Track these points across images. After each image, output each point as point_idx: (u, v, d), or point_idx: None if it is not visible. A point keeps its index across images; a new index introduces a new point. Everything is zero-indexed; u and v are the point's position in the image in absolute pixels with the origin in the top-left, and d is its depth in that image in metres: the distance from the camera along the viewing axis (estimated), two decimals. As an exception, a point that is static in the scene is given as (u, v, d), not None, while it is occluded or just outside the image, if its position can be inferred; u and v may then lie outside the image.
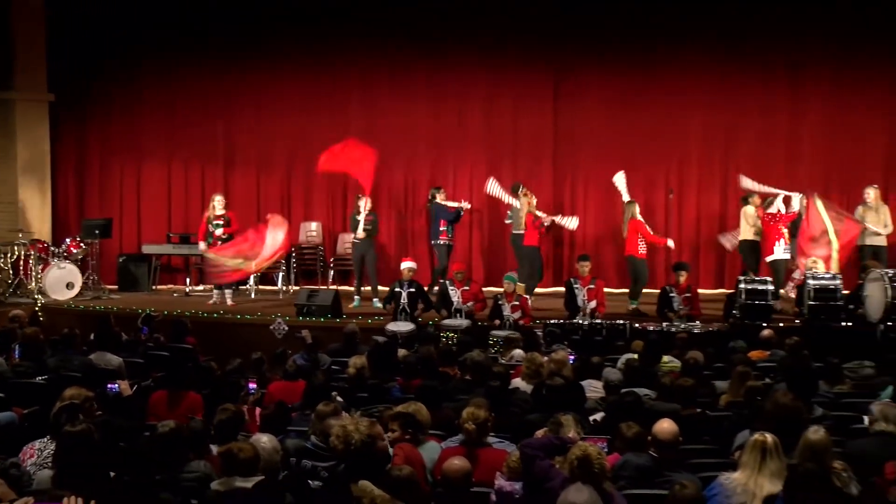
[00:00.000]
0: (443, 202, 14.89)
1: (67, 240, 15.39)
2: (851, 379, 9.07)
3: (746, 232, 14.16)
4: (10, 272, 15.06)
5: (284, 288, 15.78)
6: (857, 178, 15.27)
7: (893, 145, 15.62)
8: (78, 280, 14.82)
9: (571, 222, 14.48)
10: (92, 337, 10.63)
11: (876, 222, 14.11)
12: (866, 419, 6.91)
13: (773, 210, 13.95)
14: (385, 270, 15.32)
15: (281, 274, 15.86)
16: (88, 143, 17.03)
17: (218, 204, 14.41)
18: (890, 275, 11.97)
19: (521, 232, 14.25)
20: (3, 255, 15.04)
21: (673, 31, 15.93)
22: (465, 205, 15.04)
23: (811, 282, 12.37)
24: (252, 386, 8.47)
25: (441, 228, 14.80)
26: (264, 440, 5.86)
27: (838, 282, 12.41)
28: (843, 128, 15.78)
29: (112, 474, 5.47)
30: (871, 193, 14.20)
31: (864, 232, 14.00)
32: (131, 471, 5.57)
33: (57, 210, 16.91)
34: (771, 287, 12.58)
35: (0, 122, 16.20)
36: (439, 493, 5.51)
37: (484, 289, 13.82)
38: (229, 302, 14.47)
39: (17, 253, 15.06)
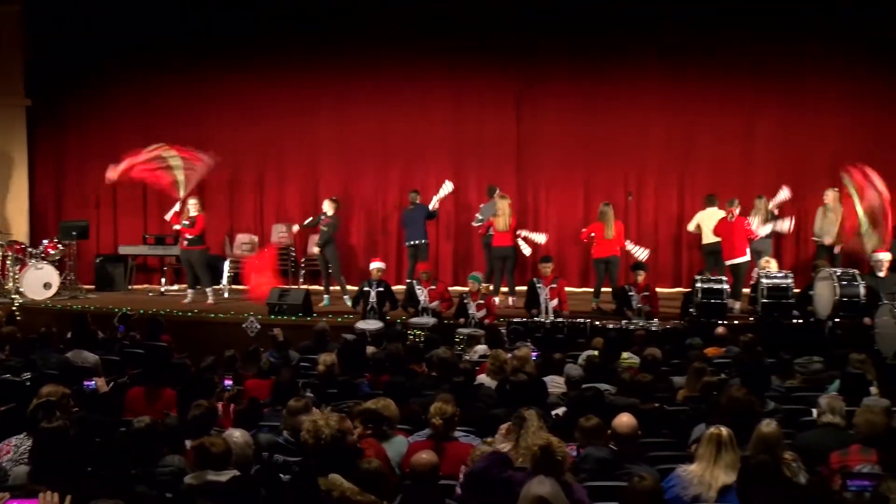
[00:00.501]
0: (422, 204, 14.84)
1: (45, 241, 15.28)
2: (801, 374, 9.12)
3: (709, 235, 14.18)
4: (-11, 273, 14.98)
5: (257, 287, 15.73)
6: (809, 181, 15.43)
7: (843, 149, 15.68)
8: (55, 280, 14.70)
9: (540, 237, 14.43)
10: (69, 335, 10.55)
11: (834, 223, 14.24)
12: (815, 412, 6.96)
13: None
14: (354, 270, 15.30)
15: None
16: (65, 147, 16.91)
17: (192, 207, 14.28)
18: (838, 274, 12.08)
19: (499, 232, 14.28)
20: (-19, 257, 14.94)
21: (632, 41, 15.98)
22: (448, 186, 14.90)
23: (764, 280, 12.45)
24: (228, 383, 8.43)
25: (425, 229, 14.80)
26: (237, 435, 5.83)
27: (790, 280, 12.52)
28: (795, 133, 15.88)
29: (88, 469, 5.43)
30: (830, 195, 14.27)
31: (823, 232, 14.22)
32: (107, 465, 5.53)
33: (35, 212, 16.80)
34: (726, 286, 12.64)
35: (-22, 126, 16.06)
36: (407, 485, 5.49)
37: (450, 288, 13.83)
38: (210, 301, 14.40)
39: (-6, 254, 14.96)
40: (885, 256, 12.92)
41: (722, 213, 13.88)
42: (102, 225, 16.87)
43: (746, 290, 13.72)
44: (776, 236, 14.65)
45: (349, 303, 14.05)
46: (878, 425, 6.06)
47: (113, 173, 14.06)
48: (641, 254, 13.82)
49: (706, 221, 14.29)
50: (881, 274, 12.73)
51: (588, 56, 16.11)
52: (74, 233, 15.46)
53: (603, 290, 14.23)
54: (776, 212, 14.40)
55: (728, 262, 13.73)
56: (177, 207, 14.24)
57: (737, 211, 13.73)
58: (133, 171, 13.92)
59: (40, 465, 5.29)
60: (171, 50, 16.61)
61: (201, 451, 5.58)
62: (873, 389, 7.88)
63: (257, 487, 5.17)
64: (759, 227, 13.73)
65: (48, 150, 16.84)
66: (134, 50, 16.56)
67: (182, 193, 14.11)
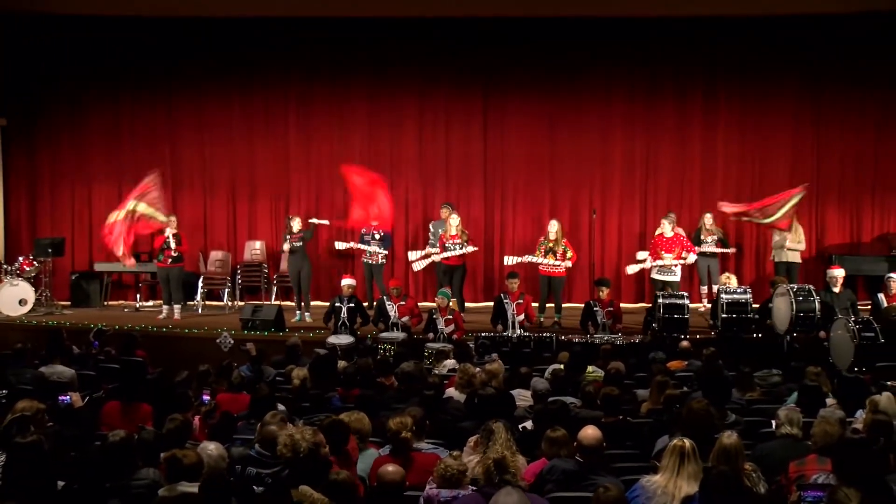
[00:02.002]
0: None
1: (20, 258, 15.13)
2: (761, 386, 9.20)
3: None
4: (-36, 290, 14.83)
5: (230, 303, 15.77)
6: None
7: (796, 167, 15.94)
8: (31, 297, 14.55)
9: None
10: (44, 350, 10.45)
11: (792, 239, 14.38)
12: (773, 423, 7.00)
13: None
14: (326, 287, 15.27)
15: (226, 290, 15.90)
16: (39, 166, 16.77)
17: (172, 224, 14.27)
18: (795, 290, 12.18)
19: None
20: (-44, 274, 14.82)
21: (595, 62, 16.12)
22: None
23: (724, 296, 12.53)
24: (206, 398, 8.40)
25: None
26: (211, 448, 5.79)
27: (749, 296, 12.59)
28: (750, 151, 16.07)
29: (61, 483, 5.38)
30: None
31: (780, 249, 14.36)
32: (82, 479, 5.48)
33: (9, 229, 16.64)
34: (688, 301, 12.70)
35: (-47, 145, 15.95)
36: (375, 497, 5.47)
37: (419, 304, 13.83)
38: (177, 316, 14.35)
39: (-30, 272, 14.83)
40: (839, 273, 13.07)
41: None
42: (77, 242, 16.73)
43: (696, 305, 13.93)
44: (721, 254, 14.94)
45: (299, 317, 14.36)
46: (834, 435, 6.10)
47: (126, 259, 14.04)
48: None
49: None
50: (836, 290, 12.87)
51: (552, 78, 16.19)
52: (50, 249, 15.35)
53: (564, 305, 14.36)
54: (722, 230, 14.62)
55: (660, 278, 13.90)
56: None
57: (670, 225, 13.98)
58: (127, 240, 13.83)
59: (13, 480, 5.23)
60: (139, 74, 16.51)
61: (173, 462, 5.56)
62: (829, 401, 7.93)
63: (229, 498, 5.13)
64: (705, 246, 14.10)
65: (22, 169, 16.70)
66: (105, 73, 16.47)
67: (164, 219, 14.08)
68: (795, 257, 14.47)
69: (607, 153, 16.27)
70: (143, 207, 13.79)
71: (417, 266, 14.45)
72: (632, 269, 14.41)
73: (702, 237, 14.68)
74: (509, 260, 14.08)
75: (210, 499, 5.06)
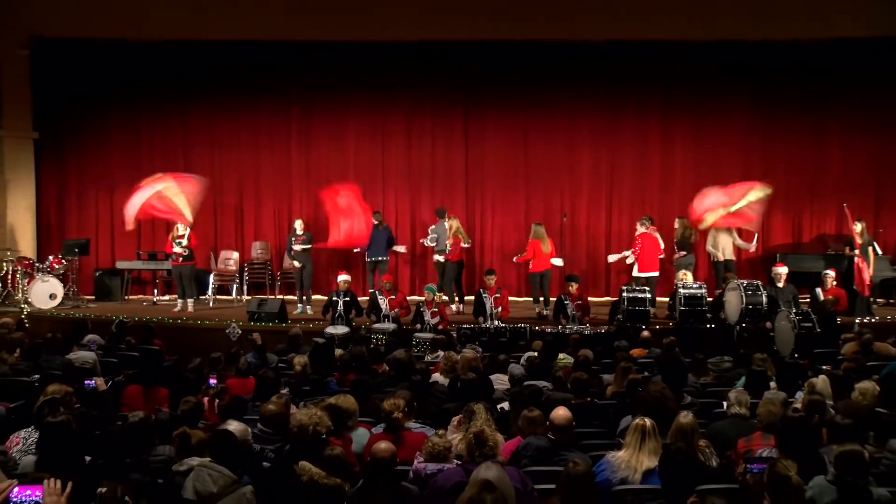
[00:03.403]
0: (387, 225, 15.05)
1: (50, 257, 15.09)
2: (713, 371, 9.25)
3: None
4: (0, 285, 14.84)
5: (238, 298, 15.79)
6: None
7: (745, 176, 15.86)
8: (59, 291, 14.53)
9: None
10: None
11: (729, 241, 14.44)
12: (725, 404, 7.04)
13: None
14: (325, 283, 15.26)
15: (235, 285, 15.95)
16: (67, 175, 16.71)
17: (181, 226, 14.20)
18: (744, 285, 12.22)
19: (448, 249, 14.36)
20: (-7, 271, 14.86)
21: (564, 82, 16.15)
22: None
23: (682, 290, 12.53)
24: (213, 381, 8.37)
25: (386, 247, 14.93)
26: (234, 426, 5.75)
27: (703, 291, 12.60)
28: (705, 162, 16.12)
29: (88, 458, 5.38)
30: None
31: (716, 251, 14.40)
32: (105, 455, 5.48)
33: (40, 231, 16.56)
34: (649, 295, 12.73)
35: (-9, 156, 15.88)
36: (368, 471, 5.48)
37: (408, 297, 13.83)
38: (190, 309, 14.33)
39: (5, 268, 14.85)
40: (783, 270, 13.15)
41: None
42: (101, 242, 16.68)
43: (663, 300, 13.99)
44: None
45: (300, 309, 14.35)
46: (776, 415, 6.13)
47: (130, 222, 13.75)
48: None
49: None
50: (780, 285, 12.96)
51: (526, 96, 16.21)
52: (76, 249, 15.42)
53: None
54: (696, 235, 14.66)
55: (642, 275, 13.88)
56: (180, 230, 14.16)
57: (642, 229, 13.98)
58: (143, 212, 13.67)
59: (46, 454, 5.24)
60: (159, 92, 16.48)
61: (183, 440, 5.60)
62: (772, 384, 7.98)
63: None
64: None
65: (52, 177, 16.63)
66: (125, 91, 16.44)
67: (191, 219, 13.82)
68: (732, 255, 14.55)
69: (576, 163, 16.34)
70: (174, 192, 13.55)
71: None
72: (612, 258, 14.55)
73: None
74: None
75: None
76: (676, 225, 14.42)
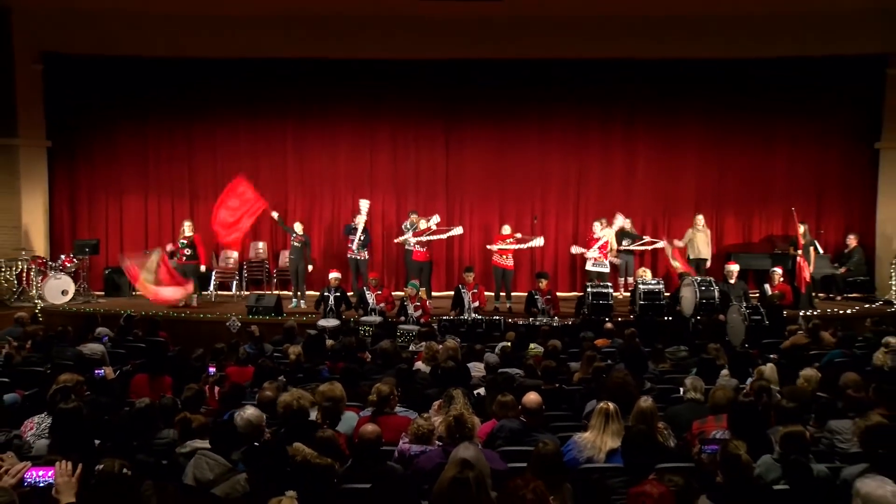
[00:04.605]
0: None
1: (62, 256, 15.02)
2: (671, 360, 9.30)
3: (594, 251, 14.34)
4: (15, 282, 14.82)
5: (238, 293, 15.70)
6: (676, 207, 16.06)
7: (701, 182, 16.18)
8: (71, 288, 14.42)
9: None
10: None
11: (704, 242, 14.59)
12: (681, 390, 7.07)
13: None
14: (317, 279, 15.23)
15: (235, 282, 15.88)
16: (79, 180, 16.56)
17: (187, 228, 14.28)
18: (698, 281, 12.30)
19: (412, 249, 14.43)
20: (9, 269, 14.86)
21: (535, 97, 16.17)
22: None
23: (641, 286, 12.64)
24: (212, 370, 8.34)
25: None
26: (249, 411, 5.70)
27: (661, 286, 12.71)
28: (665, 170, 16.23)
29: (97, 442, 5.35)
30: (701, 220, 14.74)
31: (692, 247, 14.61)
32: (113, 438, 5.46)
33: (53, 232, 16.42)
34: (612, 290, 12.80)
35: (7, 162, 15.74)
36: (358, 451, 5.47)
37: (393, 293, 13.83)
38: (194, 303, 14.26)
39: (20, 267, 14.81)
40: (734, 267, 13.27)
41: None
42: (110, 243, 16.56)
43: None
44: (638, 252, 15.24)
45: (295, 303, 14.31)
46: (728, 399, 6.17)
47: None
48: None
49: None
50: (731, 281, 13.07)
51: (502, 110, 16.25)
52: (87, 249, 15.32)
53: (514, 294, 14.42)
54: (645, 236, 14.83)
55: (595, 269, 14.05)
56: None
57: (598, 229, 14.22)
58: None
59: (58, 438, 5.21)
60: (164, 104, 16.36)
61: (184, 424, 5.62)
62: (724, 372, 8.02)
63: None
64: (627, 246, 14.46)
65: (64, 182, 16.48)
66: (133, 103, 16.30)
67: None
68: (706, 255, 14.68)
69: (546, 171, 16.37)
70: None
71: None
72: (575, 250, 14.61)
73: (623, 240, 14.82)
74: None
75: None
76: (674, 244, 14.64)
